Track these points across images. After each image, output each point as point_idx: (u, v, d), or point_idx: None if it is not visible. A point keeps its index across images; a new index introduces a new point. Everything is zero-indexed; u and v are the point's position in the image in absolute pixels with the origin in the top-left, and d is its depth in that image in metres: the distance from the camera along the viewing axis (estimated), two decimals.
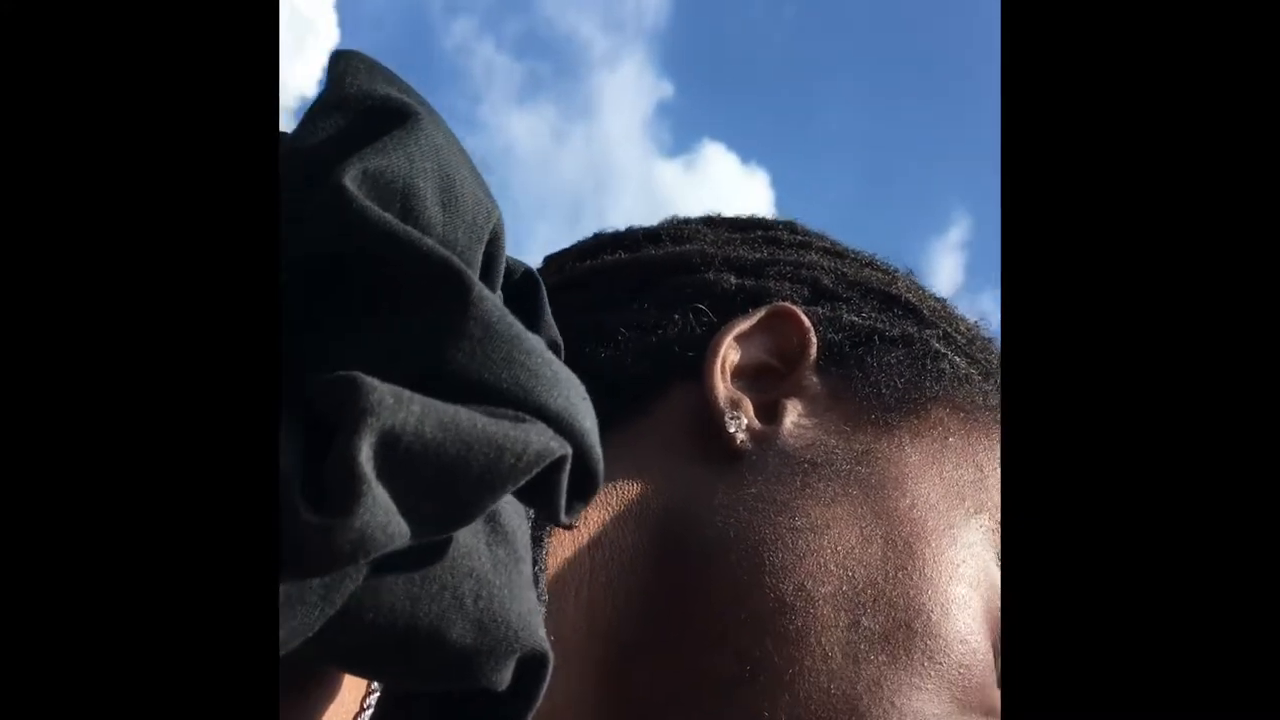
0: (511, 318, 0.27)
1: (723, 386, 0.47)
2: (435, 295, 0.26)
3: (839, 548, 0.42)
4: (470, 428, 0.25)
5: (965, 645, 0.41)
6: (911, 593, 0.42)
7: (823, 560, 0.42)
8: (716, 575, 0.42)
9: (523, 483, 0.27)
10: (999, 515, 0.45)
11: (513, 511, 0.32)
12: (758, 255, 0.53)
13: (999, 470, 0.47)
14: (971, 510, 0.45)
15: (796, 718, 0.39)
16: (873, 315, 0.51)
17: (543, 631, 0.30)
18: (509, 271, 0.34)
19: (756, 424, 0.47)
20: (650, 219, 0.57)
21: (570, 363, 0.48)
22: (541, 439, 0.27)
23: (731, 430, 0.46)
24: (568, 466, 0.28)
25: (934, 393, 0.48)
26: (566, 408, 0.28)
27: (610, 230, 0.57)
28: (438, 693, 0.31)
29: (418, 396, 0.25)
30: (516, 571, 0.31)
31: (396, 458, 0.24)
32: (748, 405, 0.47)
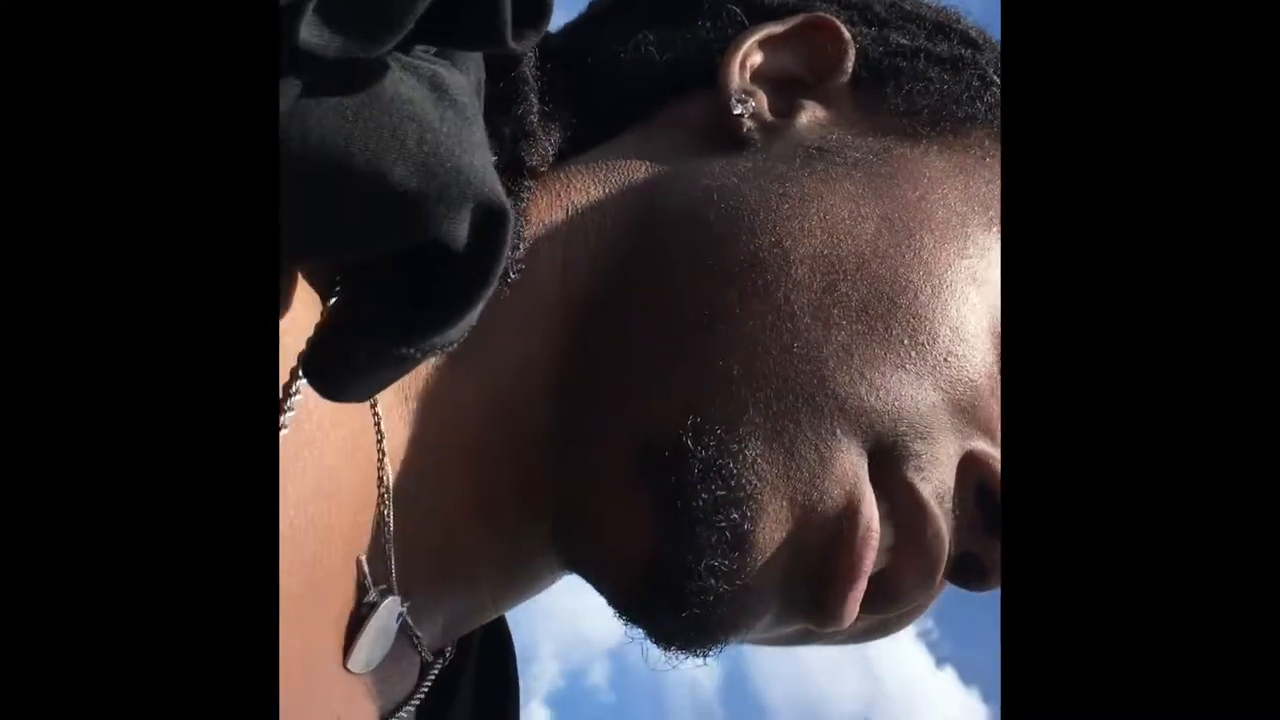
0: None
1: (736, 75, 0.43)
2: None
3: (828, 216, 0.38)
4: None
5: (956, 335, 0.37)
6: (900, 270, 0.38)
7: (807, 224, 0.38)
8: (693, 232, 0.39)
9: None
10: None
11: (461, 84, 0.29)
12: None
13: None
14: (995, 220, 0.41)
15: (753, 370, 0.36)
16: (923, 39, 0.45)
17: (499, 186, 0.27)
18: None
19: (767, 115, 0.42)
20: None
21: (604, 67, 0.45)
22: None
23: (737, 113, 0.42)
24: None
25: (977, 113, 0.43)
26: None
27: None
28: (390, 279, 0.28)
29: None
30: (466, 130, 0.27)
31: None
32: (762, 98, 0.42)
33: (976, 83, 0.43)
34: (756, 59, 0.43)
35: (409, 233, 0.26)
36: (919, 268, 0.38)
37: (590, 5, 0.50)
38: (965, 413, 0.38)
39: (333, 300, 0.30)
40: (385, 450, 0.35)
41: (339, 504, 0.33)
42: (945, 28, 0.46)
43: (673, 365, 0.37)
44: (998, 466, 0.38)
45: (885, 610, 0.39)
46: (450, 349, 0.29)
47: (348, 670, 0.34)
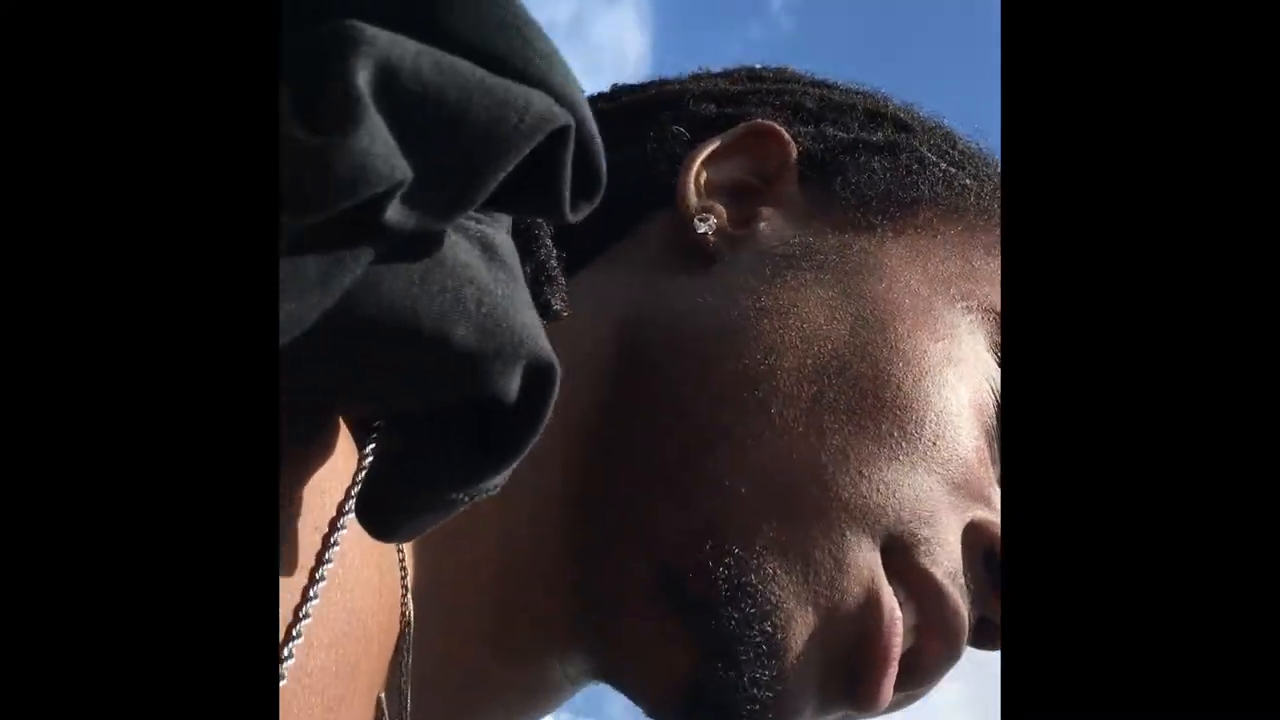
0: None
1: (693, 194, 0.45)
2: None
3: (805, 325, 0.41)
4: (470, 76, 0.24)
5: (940, 418, 0.40)
6: (881, 365, 0.40)
7: (786, 336, 0.41)
8: (679, 359, 0.41)
9: (526, 152, 0.25)
10: (997, 314, 0.43)
11: (507, 245, 0.31)
12: (740, 88, 0.52)
13: (996, 272, 0.45)
14: (957, 297, 0.43)
15: (759, 486, 0.38)
16: (857, 129, 0.49)
17: (546, 344, 0.29)
18: None
19: (728, 228, 0.45)
20: None
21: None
22: (544, 102, 0.25)
23: (701, 231, 0.44)
24: (571, 143, 0.27)
25: (921, 194, 0.46)
26: (565, 84, 0.26)
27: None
28: (441, 427, 0.29)
29: (413, 41, 0.24)
30: (516, 290, 0.30)
31: (395, 90, 0.23)
32: (721, 211, 0.45)
33: (916, 165, 0.47)
34: (710, 174, 0.46)
35: (468, 388, 0.28)
36: (897, 360, 0.40)
37: None
38: (961, 488, 0.40)
39: (374, 444, 0.32)
40: (408, 588, 0.37)
41: (366, 645, 0.34)
42: (876, 115, 0.49)
43: (680, 492, 0.39)
44: (998, 531, 0.40)
45: (916, 687, 0.41)
46: (492, 494, 0.31)
47: None
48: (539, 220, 0.41)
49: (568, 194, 0.28)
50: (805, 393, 0.40)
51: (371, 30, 0.23)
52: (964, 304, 0.43)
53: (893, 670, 0.39)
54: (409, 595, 0.36)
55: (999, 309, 0.43)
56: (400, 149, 0.23)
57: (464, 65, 0.24)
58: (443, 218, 0.26)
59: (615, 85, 0.55)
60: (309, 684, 0.31)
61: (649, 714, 0.40)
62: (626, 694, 0.41)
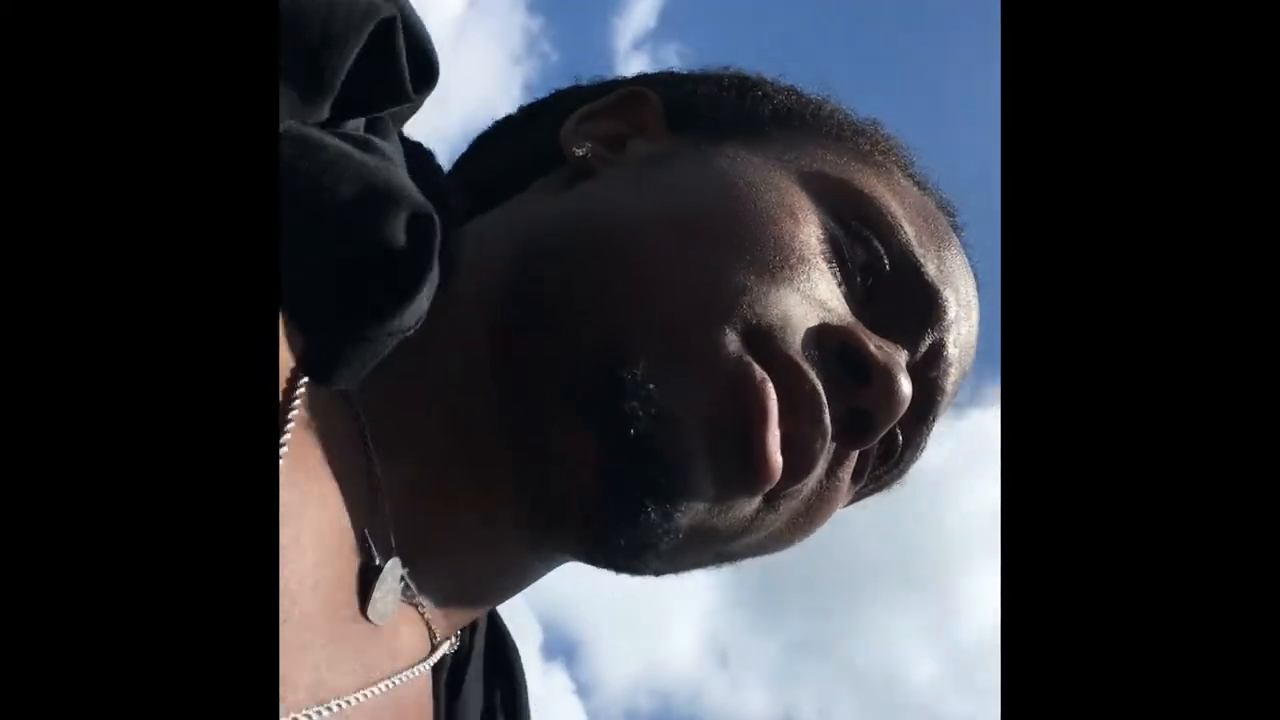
0: None
1: (573, 132, 0.55)
2: None
3: (662, 192, 0.50)
4: None
5: (780, 243, 0.48)
6: (729, 206, 0.49)
7: (646, 198, 0.50)
8: (567, 229, 0.49)
9: (362, 40, 0.34)
10: (825, 177, 0.52)
11: (390, 149, 0.39)
12: (621, 79, 0.62)
13: (828, 156, 0.54)
14: (789, 164, 0.52)
15: (633, 308, 0.46)
16: (713, 84, 0.59)
17: (424, 199, 0.37)
18: None
19: (603, 150, 0.54)
20: None
21: (480, 176, 0.57)
22: None
23: (579, 153, 0.54)
24: (399, 32, 0.35)
25: (764, 116, 0.56)
26: None
27: None
28: (350, 283, 0.37)
29: None
30: (391, 166, 0.38)
31: None
32: (597, 145, 0.55)
33: (759, 96, 0.57)
34: (590, 127, 0.56)
35: (358, 233, 0.36)
36: (742, 205, 0.49)
37: (478, 135, 0.64)
38: (806, 297, 0.48)
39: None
40: (370, 447, 0.44)
41: (349, 485, 0.42)
42: (727, 73, 0.60)
43: (568, 330, 0.46)
44: (848, 328, 0.48)
45: (800, 466, 0.47)
46: (409, 333, 0.39)
47: (367, 619, 0.42)
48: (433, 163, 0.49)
49: (408, 77, 0.36)
50: (666, 234, 0.48)
51: None
52: (798, 174, 0.52)
53: (772, 424, 0.44)
54: (373, 453, 0.44)
55: (831, 174, 0.52)
56: None
57: None
58: (308, 101, 0.34)
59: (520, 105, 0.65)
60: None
61: (573, 522, 0.46)
62: (554, 513, 0.46)
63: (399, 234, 0.36)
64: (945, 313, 0.52)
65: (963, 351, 0.55)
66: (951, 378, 0.54)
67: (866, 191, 0.52)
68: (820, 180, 0.52)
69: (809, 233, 0.49)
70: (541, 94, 0.63)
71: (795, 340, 0.46)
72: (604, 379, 0.44)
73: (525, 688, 0.54)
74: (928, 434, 0.55)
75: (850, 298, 0.50)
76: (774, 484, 0.46)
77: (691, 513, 0.46)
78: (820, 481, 0.50)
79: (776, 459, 0.45)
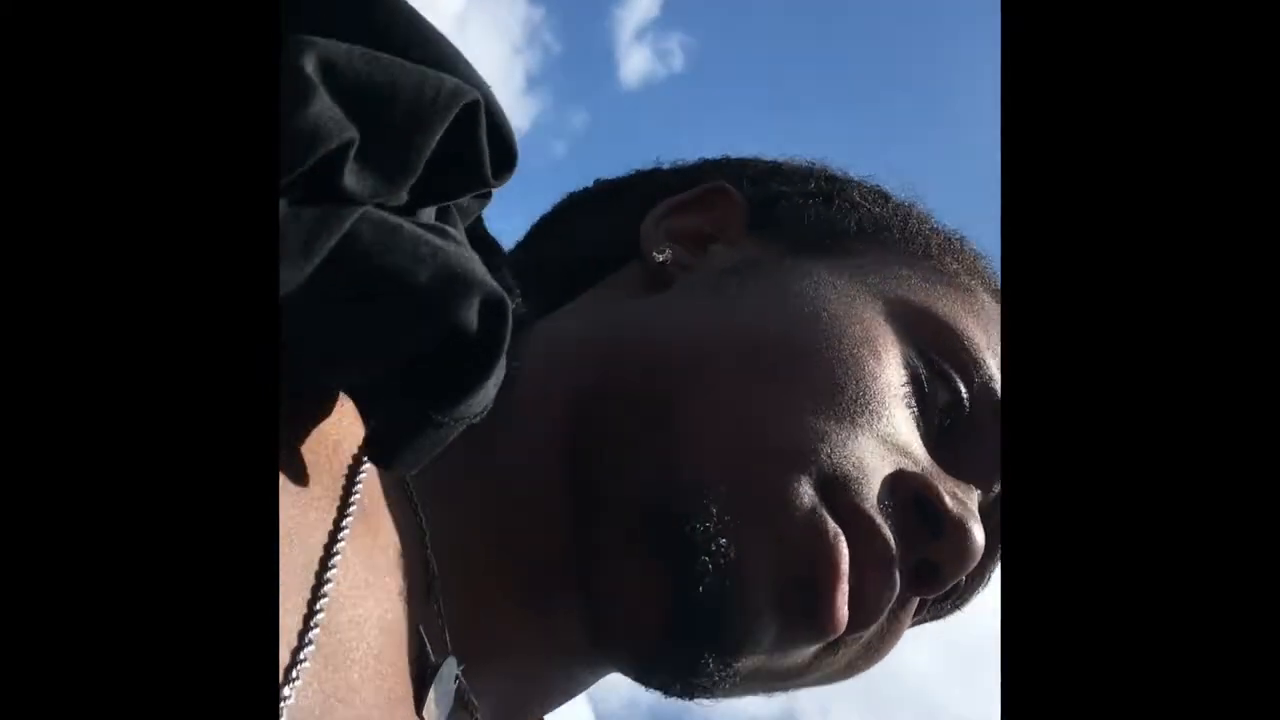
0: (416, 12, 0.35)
1: (653, 233, 0.55)
2: None
3: (742, 314, 0.49)
4: (391, 64, 0.33)
5: (863, 383, 0.47)
6: (810, 341, 0.47)
7: (725, 321, 0.48)
8: (639, 348, 0.49)
9: (448, 120, 0.34)
10: (913, 307, 0.51)
11: (460, 236, 0.39)
12: (700, 165, 0.62)
13: (915, 282, 0.53)
14: (876, 295, 0.50)
15: (709, 447, 0.45)
16: (798, 183, 0.58)
17: (496, 284, 0.37)
18: None
19: (684, 257, 0.53)
20: None
21: (547, 259, 0.57)
22: (454, 81, 0.34)
23: (659, 259, 0.53)
24: (483, 116, 0.35)
25: (849, 228, 0.55)
26: (470, 71, 0.35)
27: None
28: (420, 365, 0.36)
29: (344, 44, 0.32)
30: (466, 252, 0.37)
31: (335, 74, 0.31)
32: (678, 248, 0.54)
33: (846, 205, 0.56)
34: (672, 223, 0.55)
35: (434, 322, 0.35)
36: (822, 338, 0.48)
37: (531, 227, 0.63)
38: (884, 442, 0.47)
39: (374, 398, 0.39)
40: (429, 543, 0.43)
41: (406, 578, 0.41)
42: (813, 173, 0.59)
43: (651, 461, 0.46)
44: (925, 477, 0.46)
45: (865, 620, 0.46)
46: (475, 420, 0.38)
47: (421, 718, 0.41)
48: (498, 252, 0.49)
49: (489, 163, 0.36)
50: (743, 365, 0.47)
51: (313, 36, 0.31)
52: (883, 301, 0.51)
53: (843, 582, 0.44)
54: (430, 550, 0.43)
55: (916, 303, 0.51)
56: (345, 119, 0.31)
57: (386, 57, 0.33)
58: (390, 184, 0.34)
59: (597, 179, 0.65)
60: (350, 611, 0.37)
61: (633, 656, 0.46)
62: (614, 641, 0.46)
63: (472, 319, 0.36)
64: None
65: None
66: None
67: (950, 324, 0.51)
68: (904, 309, 0.51)
69: (891, 372, 0.48)
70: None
71: (870, 492, 0.45)
72: (677, 526, 0.43)
73: None
74: (991, 571, 0.54)
75: (927, 435, 0.49)
76: (840, 632, 0.45)
77: (751, 660, 0.46)
78: (884, 624, 0.49)
79: (843, 615, 0.44)
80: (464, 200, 0.45)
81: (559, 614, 0.47)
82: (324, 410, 0.39)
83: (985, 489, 0.50)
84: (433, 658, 0.42)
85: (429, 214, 0.39)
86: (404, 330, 0.36)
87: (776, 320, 0.49)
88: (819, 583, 0.44)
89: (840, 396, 0.46)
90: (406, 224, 0.36)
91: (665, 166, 0.61)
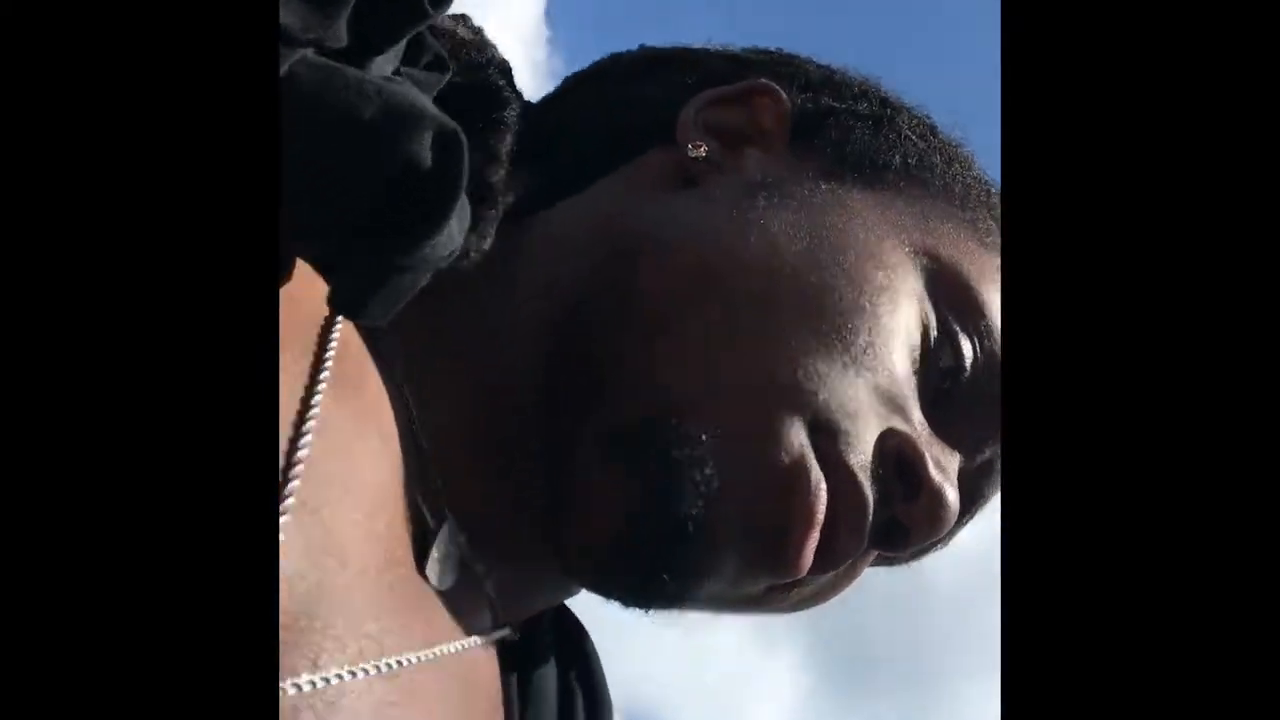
0: None
1: (690, 126, 0.51)
2: None
3: (767, 235, 0.46)
4: None
5: (874, 333, 0.45)
6: (828, 279, 0.46)
7: (748, 239, 0.46)
8: (649, 255, 0.46)
9: None
10: (942, 262, 0.49)
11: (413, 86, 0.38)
12: (751, 56, 0.57)
13: (948, 233, 0.50)
14: (906, 242, 0.48)
15: (706, 367, 0.43)
16: (850, 101, 0.54)
17: (447, 118, 0.36)
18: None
19: (717, 158, 0.50)
20: None
21: (577, 129, 0.53)
22: None
23: (690, 154, 0.50)
24: None
25: (893, 161, 0.52)
26: None
27: None
28: (374, 209, 0.35)
29: None
30: (414, 91, 0.36)
31: None
32: (713, 145, 0.51)
33: (894, 136, 0.52)
34: (711, 115, 0.52)
35: (383, 157, 0.34)
36: (843, 277, 0.46)
37: (564, 80, 0.59)
38: (883, 397, 0.45)
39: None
40: (415, 420, 0.42)
41: (394, 442, 0.40)
42: (867, 93, 0.55)
43: (635, 368, 0.44)
44: (913, 439, 0.45)
45: (825, 568, 0.45)
46: (443, 263, 0.37)
47: (425, 579, 0.40)
48: (504, 117, 0.47)
49: None
50: (756, 287, 0.45)
51: None
52: (911, 249, 0.48)
53: (815, 532, 0.43)
54: (417, 426, 0.42)
55: (945, 259, 0.49)
56: None
57: None
58: (324, 14, 0.33)
59: (643, 44, 0.60)
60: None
61: (582, 563, 0.44)
62: (567, 552, 0.44)
63: (424, 154, 0.35)
64: None
65: None
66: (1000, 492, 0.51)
67: (973, 286, 0.49)
68: (933, 262, 0.49)
69: (904, 327, 0.46)
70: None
71: (861, 445, 0.44)
72: (661, 446, 0.42)
73: (600, 667, 0.52)
74: (956, 533, 0.52)
75: (924, 394, 0.47)
76: (801, 575, 0.44)
77: (718, 577, 0.44)
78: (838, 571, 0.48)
79: (808, 563, 0.43)
80: (419, 74, 0.44)
81: (534, 510, 0.45)
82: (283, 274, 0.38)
83: (969, 454, 0.49)
84: (431, 523, 0.41)
85: (379, 69, 0.38)
86: (353, 169, 0.35)
87: (798, 251, 0.46)
88: (792, 529, 0.43)
89: (848, 343, 0.45)
90: (349, 67, 0.35)
91: (715, 49, 0.57)
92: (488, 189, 0.46)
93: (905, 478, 0.45)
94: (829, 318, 0.45)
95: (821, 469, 0.43)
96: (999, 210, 0.53)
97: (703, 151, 0.50)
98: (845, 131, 0.52)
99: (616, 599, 0.46)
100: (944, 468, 0.46)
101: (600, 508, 0.43)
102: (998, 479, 0.51)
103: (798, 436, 0.43)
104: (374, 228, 0.35)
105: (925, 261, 0.49)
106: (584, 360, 0.45)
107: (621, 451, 0.43)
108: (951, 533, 0.50)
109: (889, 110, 0.54)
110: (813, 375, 0.44)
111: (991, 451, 0.49)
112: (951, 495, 0.46)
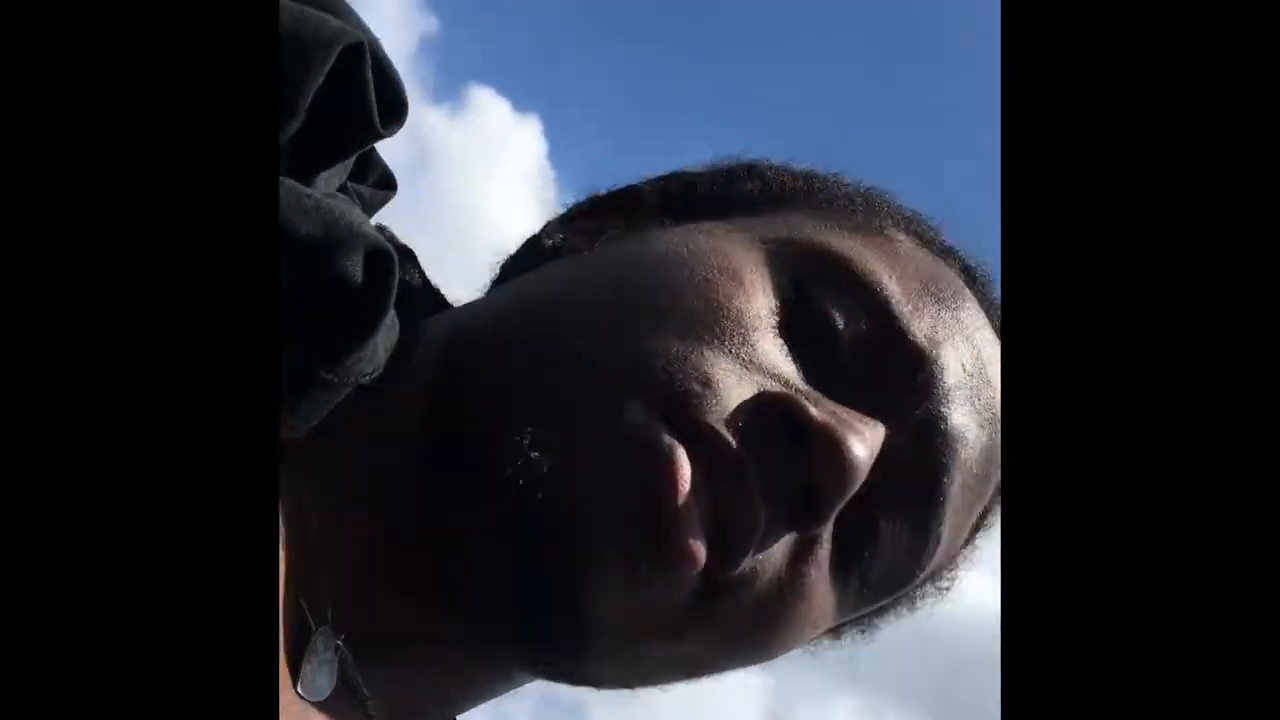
0: None
1: (555, 226, 0.53)
2: None
3: (600, 266, 0.48)
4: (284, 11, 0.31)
5: (721, 304, 0.43)
6: (669, 274, 0.45)
7: (583, 273, 0.48)
8: (494, 310, 0.48)
9: (330, 61, 0.33)
10: (796, 245, 0.47)
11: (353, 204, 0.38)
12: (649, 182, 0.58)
13: (803, 225, 0.50)
14: (754, 239, 0.48)
15: (537, 386, 0.42)
16: (716, 173, 0.55)
17: (381, 238, 0.36)
18: None
19: (579, 243, 0.51)
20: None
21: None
22: (337, 23, 0.33)
23: (547, 242, 0.51)
24: (368, 60, 0.34)
25: (752, 196, 0.53)
26: (357, 16, 0.34)
27: None
28: (303, 319, 0.35)
29: None
30: (353, 208, 0.36)
31: None
32: (576, 235, 0.52)
33: (750, 179, 0.54)
34: (578, 222, 0.53)
35: (318, 270, 0.34)
36: (679, 269, 0.45)
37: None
38: (743, 360, 0.43)
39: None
40: (312, 515, 0.42)
41: (289, 545, 0.39)
42: (731, 164, 0.56)
43: (489, 414, 0.42)
44: (787, 392, 0.42)
45: (732, 550, 0.40)
46: (365, 379, 0.37)
47: (299, 694, 0.39)
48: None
49: (375, 110, 0.35)
50: (582, 308, 0.44)
51: None
52: (760, 239, 0.48)
53: (684, 503, 0.39)
54: (313, 529, 0.41)
55: (800, 239, 0.48)
56: None
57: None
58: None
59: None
60: None
61: (486, 619, 0.42)
62: (466, 616, 0.43)
63: (355, 271, 0.35)
64: (938, 378, 0.45)
65: (977, 424, 0.47)
66: (960, 454, 0.46)
67: (840, 253, 0.46)
68: (786, 246, 0.47)
69: (755, 299, 0.44)
70: None
71: (718, 407, 0.41)
72: (501, 474, 0.40)
73: None
74: (938, 523, 0.46)
75: (810, 369, 0.44)
76: (697, 565, 0.39)
77: (607, 596, 0.40)
78: (780, 575, 0.43)
79: (692, 543, 0.39)
80: (365, 190, 0.44)
81: (430, 599, 0.43)
82: None
83: (897, 422, 0.44)
84: (313, 627, 0.40)
85: (324, 185, 0.38)
86: (284, 282, 0.34)
87: (631, 265, 0.46)
88: (658, 504, 0.38)
89: (688, 319, 0.42)
90: (290, 180, 0.35)
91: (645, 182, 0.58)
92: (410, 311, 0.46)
93: (795, 434, 0.41)
94: (666, 306, 0.43)
95: (675, 436, 0.39)
96: (883, 206, 0.53)
97: (558, 239, 0.52)
98: (706, 191, 0.54)
99: (554, 666, 0.45)
100: (837, 413, 0.42)
101: (487, 572, 0.41)
102: (948, 442, 0.46)
103: (635, 411, 0.40)
104: (301, 339, 0.35)
105: (777, 246, 0.47)
106: (445, 433, 0.43)
107: (481, 509, 0.40)
108: (931, 514, 0.46)
109: (747, 165, 0.55)
110: (649, 354, 0.41)
111: (924, 411, 0.45)
112: (850, 435, 0.41)
